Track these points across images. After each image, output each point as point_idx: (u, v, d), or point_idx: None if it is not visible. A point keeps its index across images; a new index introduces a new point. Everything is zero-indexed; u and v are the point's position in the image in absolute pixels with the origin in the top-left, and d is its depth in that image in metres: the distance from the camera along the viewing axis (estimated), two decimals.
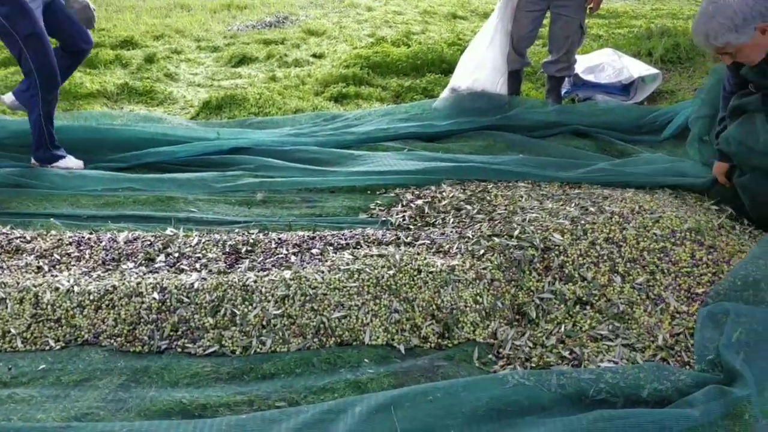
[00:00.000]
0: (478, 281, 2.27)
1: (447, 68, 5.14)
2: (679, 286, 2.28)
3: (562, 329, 2.15)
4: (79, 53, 3.63)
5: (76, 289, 2.29)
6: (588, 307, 2.23)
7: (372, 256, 2.38)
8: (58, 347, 2.12)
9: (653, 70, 4.69)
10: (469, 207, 2.87)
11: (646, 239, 2.41)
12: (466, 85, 4.23)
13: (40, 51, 3.27)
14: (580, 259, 2.35)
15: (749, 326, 1.97)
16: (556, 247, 2.39)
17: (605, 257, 2.35)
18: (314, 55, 6.06)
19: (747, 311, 2.03)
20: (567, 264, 2.34)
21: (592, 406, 1.77)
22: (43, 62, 3.30)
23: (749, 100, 2.69)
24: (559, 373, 1.85)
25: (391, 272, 2.26)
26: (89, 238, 2.68)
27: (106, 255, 2.56)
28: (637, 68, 4.66)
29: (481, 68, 4.21)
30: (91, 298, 2.25)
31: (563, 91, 4.51)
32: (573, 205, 2.69)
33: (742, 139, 2.66)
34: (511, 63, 4.25)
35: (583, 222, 2.48)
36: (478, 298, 2.23)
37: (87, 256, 2.55)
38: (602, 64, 4.71)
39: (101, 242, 2.64)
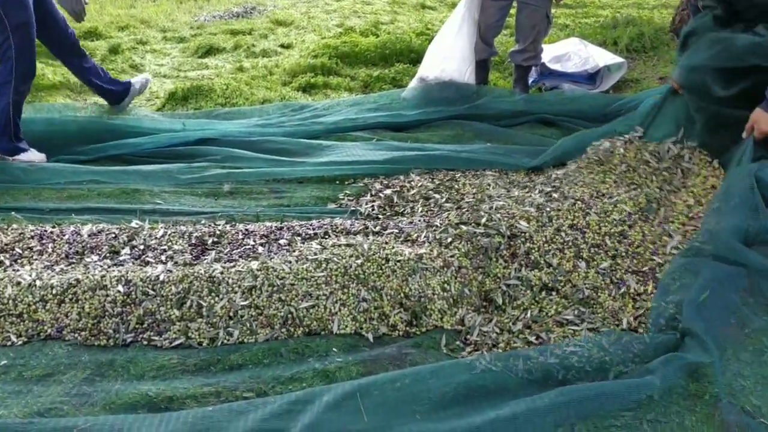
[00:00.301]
0: (445, 269, 2.28)
1: (415, 58, 5.14)
2: (636, 268, 2.33)
3: (528, 315, 2.17)
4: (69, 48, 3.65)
5: (38, 283, 2.24)
6: (554, 293, 2.25)
7: (340, 245, 2.38)
8: (20, 342, 2.08)
9: (618, 59, 4.74)
10: (437, 196, 2.88)
11: (607, 224, 2.44)
12: (434, 74, 4.23)
13: (26, 42, 3.27)
14: (546, 245, 2.37)
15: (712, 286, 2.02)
16: (522, 234, 2.41)
17: (570, 243, 2.38)
18: (282, 46, 6.01)
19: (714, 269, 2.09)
20: (533, 251, 2.36)
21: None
22: (26, 53, 3.29)
23: (702, 22, 2.67)
24: (526, 357, 1.87)
25: (359, 261, 2.25)
26: (52, 232, 2.63)
27: (70, 248, 2.52)
28: (602, 57, 4.71)
29: (449, 58, 4.21)
30: (54, 292, 2.21)
31: (530, 80, 4.54)
32: (537, 192, 2.72)
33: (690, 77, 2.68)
34: (479, 52, 4.26)
35: (548, 209, 2.51)
36: (445, 285, 2.24)
37: (50, 250, 2.51)
38: (569, 53, 4.75)
39: (64, 235, 2.60)
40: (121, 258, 2.45)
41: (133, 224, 2.71)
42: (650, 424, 1.73)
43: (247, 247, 2.48)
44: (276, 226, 2.64)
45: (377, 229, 2.59)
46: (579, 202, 2.54)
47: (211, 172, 3.28)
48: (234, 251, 2.45)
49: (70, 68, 3.85)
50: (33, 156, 3.42)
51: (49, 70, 4.93)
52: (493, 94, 4.16)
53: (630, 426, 1.72)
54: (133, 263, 2.41)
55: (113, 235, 2.60)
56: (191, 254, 2.45)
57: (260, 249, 2.46)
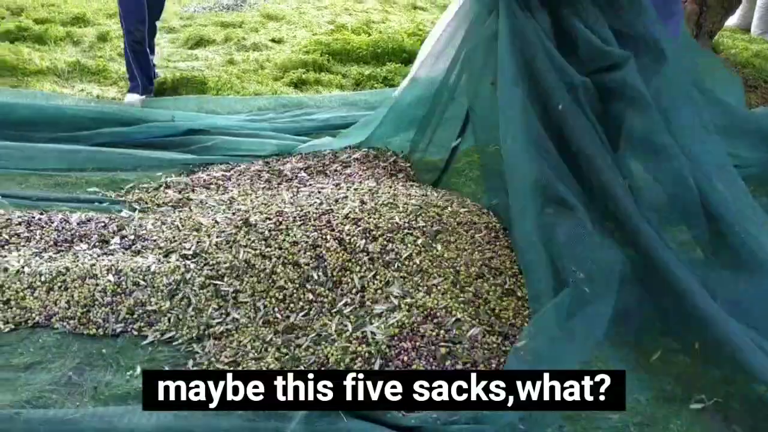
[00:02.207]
0: None
1: (407, 58, 5.15)
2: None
3: None
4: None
5: (26, 270, 2.22)
6: None
7: None
8: (7, 329, 2.06)
9: None
10: None
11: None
12: (425, 74, 4.23)
13: None
14: None
15: None
16: None
17: None
18: (273, 40, 5.98)
19: None
20: None
21: None
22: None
23: None
24: None
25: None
26: (40, 219, 2.60)
27: (58, 236, 2.49)
28: None
29: (441, 58, 4.22)
30: (43, 279, 2.19)
31: None
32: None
33: None
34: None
35: None
36: None
37: (38, 237, 2.47)
38: None
39: (53, 223, 2.57)
40: (111, 247, 2.42)
41: (122, 214, 2.68)
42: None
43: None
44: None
45: None
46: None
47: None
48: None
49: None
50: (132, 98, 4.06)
51: (36, 55, 4.86)
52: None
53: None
54: (123, 253, 2.39)
55: (103, 224, 2.57)
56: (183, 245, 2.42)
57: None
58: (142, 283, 2.19)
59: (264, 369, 1.89)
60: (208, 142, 3.47)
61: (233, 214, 2.59)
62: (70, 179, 3.06)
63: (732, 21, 6.20)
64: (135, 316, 2.11)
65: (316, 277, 2.22)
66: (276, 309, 2.13)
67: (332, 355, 1.92)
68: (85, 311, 2.11)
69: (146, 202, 2.84)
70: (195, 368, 1.92)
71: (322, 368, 1.89)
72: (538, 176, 2.17)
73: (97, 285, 2.17)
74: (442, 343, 1.96)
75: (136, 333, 2.07)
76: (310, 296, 2.17)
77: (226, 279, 2.22)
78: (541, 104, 2.27)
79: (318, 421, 1.65)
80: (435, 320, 2.04)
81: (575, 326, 1.95)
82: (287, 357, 1.94)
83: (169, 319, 2.10)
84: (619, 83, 2.18)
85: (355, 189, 2.76)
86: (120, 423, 1.65)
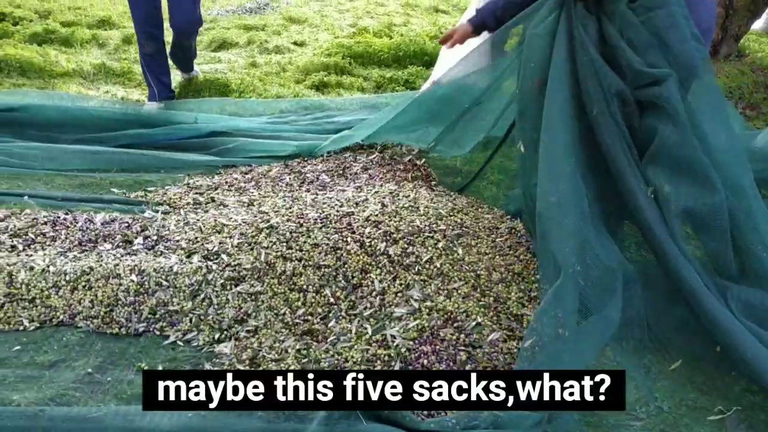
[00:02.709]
0: None
1: (429, 61, 5.14)
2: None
3: None
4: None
5: (51, 269, 2.25)
6: None
7: None
8: (32, 327, 2.08)
9: None
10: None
11: None
12: (447, 77, 4.22)
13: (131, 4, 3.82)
14: None
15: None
16: None
17: None
18: (295, 43, 6.01)
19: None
20: None
21: None
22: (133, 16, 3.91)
23: None
24: None
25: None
26: (65, 218, 2.63)
27: (83, 236, 2.52)
28: None
29: (462, 61, 4.21)
30: (67, 278, 2.22)
31: None
32: None
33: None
34: (495, 55, 4.25)
35: None
36: None
37: (63, 236, 2.51)
38: None
39: (77, 223, 2.60)
40: (134, 247, 2.45)
41: (146, 214, 2.71)
42: None
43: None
44: None
45: None
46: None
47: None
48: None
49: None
50: (150, 106, 4.01)
51: (63, 57, 4.94)
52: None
53: None
54: (146, 253, 2.41)
55: (126, 224, 2.60)
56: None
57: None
58: (164, 283, 2.21)
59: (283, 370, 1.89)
60: (230, 144, 3.49)
61: (255, 216, 2.61)
62: (94, 180, 3.10)
63: (758, 25, 6.12)
64: (157, 316, 2.13)
65: (336, 280, 2.22)
66: (296, 311, 2.14)
67: (352, 357, 1.93)
68: (108, 310, 2.14)
69: (169, 203, 2.86)
70: (216, 369, 1.93)
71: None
72: (572, 178, 2.16)
73: (120, 285, 2.20)
74: (462, 348, 1.96)
75: (158, 333, 2.09)
76: (330, 299, 2.17)
77: (247, 280, 2.23)
78: (580, 106, 2.29)
79: (337, 423, 1.65)
80: (455, 324, 2.03)
81: (583, 329, 1.94)
82: (307, 359, 1.94)
83: (190, 320, 2.12)
84: (655, 97, 2.18)
85: (376, 192, 2.76)
86: (142, 422, 1.67)
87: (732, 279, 2.12)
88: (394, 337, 1.98)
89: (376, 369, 1.89)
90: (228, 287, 2.21)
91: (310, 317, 2.12)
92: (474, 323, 2.03)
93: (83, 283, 2.20)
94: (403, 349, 1.93)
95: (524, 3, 2.52)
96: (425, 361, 1.90)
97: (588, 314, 1.96)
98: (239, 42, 5.92)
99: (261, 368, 1.92)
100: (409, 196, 2.69)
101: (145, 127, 3.64)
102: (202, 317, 2.12)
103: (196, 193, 2.94)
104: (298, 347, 1.98)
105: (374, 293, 2.17)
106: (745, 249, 2.12)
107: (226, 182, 3.09)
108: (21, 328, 2.08)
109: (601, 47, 2.28)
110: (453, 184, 3.13)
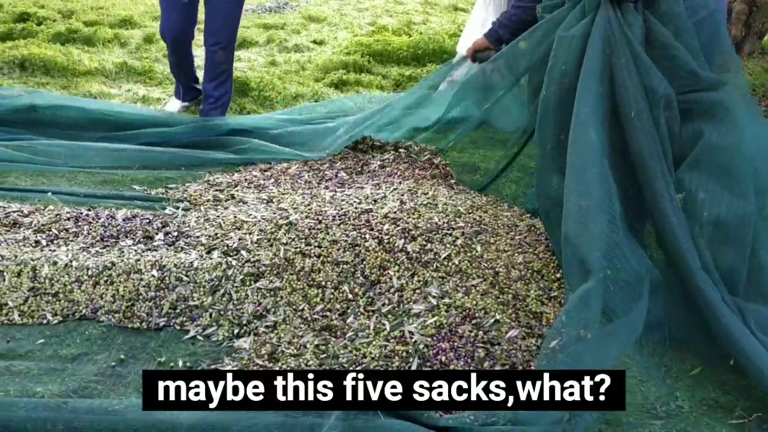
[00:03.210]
0: None
1: (448, 59, 5.12)
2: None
3: None
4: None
5: (74, 263, 2.28)
6: None
7: None
8: (55, 321, 2.11)
9: None
10: None
11: None
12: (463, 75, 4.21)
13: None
14: None
15: None
16: None
17: None
18: (314, 41, 6.03)
19: None
20: None
21: None
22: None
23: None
24: None
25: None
26: (87, 215, 2.66)
27: (104, 231, 2.55)
28: None
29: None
30: (90, 273, 2.24)
31: None
32: None
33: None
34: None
35: None
36: None
37: (85, 232, 2.54)
38: None
39: (99, 219, 2.63)
40: (155, 243, 2.48)
41: (166, 211, 2.74)
42: None
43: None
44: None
45: None
46: None
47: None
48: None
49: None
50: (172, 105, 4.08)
51: (86, 56, 5.00)
52: None
53: None
54: (167, 249, 2.44)
55: (147, 221, 2.63)
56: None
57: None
58: (184, 278, 2.23)
59: (303, 366, 1.91)
60: (247, 143, 3.51)
61: (274, 212, 2.62)
62: (116, 177, 3.13)
63: None
64: (177, 310, 2.15)
65: (354, 276, 2.23)
66: (315, 307, 2.15)
67: (370, 353, 1.93)
68: (129, 305, 2.16)
69: (189, 200, 2.89)
70: (235, 364, 1.94)
71: (360, 367, 1.90)
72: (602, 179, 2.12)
73: (141, 280, 2.22)
74: (480, 344, 1.95)
75: (178, 327, 2.11)
76: (349, 295, 2.18)
77: (266, 276, 2.25)
78: (612, 109, 2.23)
79: (356, 419, 1.66)
80: (473, 321, 2.03)
81: (607, 332, 1.92)
82: (325, 355, 1.95)
83: (210, 315, 2.13)
84: (711, 102, 2.14)
85: (395, 189, 2.77)
86: (162, 415, 1.68)
87: (741, 294, 2.08)
88: (413, 334, 1.98)
89: (394, 365, 1.89)
90: (247, 283, 2.23)
91: (328, 313, 2.13)
92: (492, 320, 2.03)
93: (105, 278, 2.23)
94: (421, 346, 1.93)
95: (534, 21, 2.52)
96: (443, 358, 1.90)
97: (613, 318, 1.94)
98: (259, 41, 5.95)
99: (280, 363, 1.93)
100: (427, 193, 2.69)
101: (166, 126, 3.66)
102: (221, 312, 2.14)
103: (216, 190, 2.97)
104: (316, 343, 1.99)
105: (392, 290, 2.17)
106: (756, 265, 2.09)
107: (246, 179, 3.11)
108: (44, 321, 2.11)
109: (646, 48, 2.24)
110: (472, 181, 3.12)
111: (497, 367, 1.89)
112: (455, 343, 1.95)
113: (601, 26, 2.25)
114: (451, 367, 1.88)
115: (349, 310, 2.13)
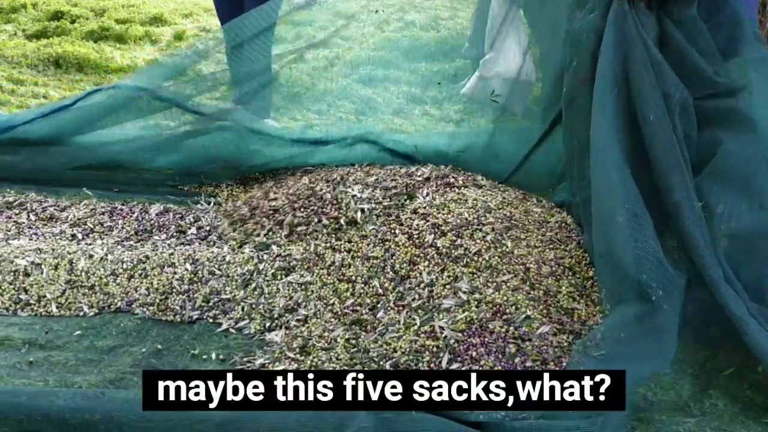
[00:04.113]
0: None
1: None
2: None
3: None
4: None
5: (109, 257, 2.32)
6: None
7: None
8: (92, 313, 2.16)
9: None
10: None
11: None
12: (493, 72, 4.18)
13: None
14: None
15: None
16: None
17: None
18: (342, 38, 6.04)
19: None
20: None
21: None
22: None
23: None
24: None
25: None
26: (122, 209, 2.72)
27: (138, 226, 2.60)
28: None
29: (499, 53, 4.11)
30: (125, 266, 2.29)
31: None
32: None
33: None
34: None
35: None
36: None
37: (119, 226, 2.59)
38: None
39: (133, 213, 2.68)
40: (187, 237, 2.51)
41: (198, 206, 2.78)
42: None
43: None
44: None
45: None
46: None
47: None
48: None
49: None
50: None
51: (118, 53, 5.08)
52: None
53: None
54: (199, 243, 2.47)
55: (180, 216, 2.67)
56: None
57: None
58: (217, 272, 2.26)
59: (333, 359, 1.92)
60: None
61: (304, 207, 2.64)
62: (149, 172, 3.18)
63: None
64: (210, 304, 2.18)
65: (384, 271, 2.24)
66: (345, 301, 2.16)
67: (400, 348, 1.94)
68: (163, 298, 2.20)
69: (221, 195, 2.92)
70: (267, 357, 1.96)
71: (390, 361, 1.90)
72: (622, 184, 2.07)
73: (174, 273, 2.26)
74: (511, 340, 1.95)
75: (211, 320, 2.14)
76: (379, 290, 2.19)
77: (297, 271, 2.27)
78: (631, 113, 2.17)
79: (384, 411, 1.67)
80: (504, 317, 2.02)
81: (649, 341, 1.89)
82: (355, 349, 1.96)
83: (242, 308, 2.16)
84: (727, 109, 2.08)
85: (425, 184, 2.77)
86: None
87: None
88: (443, 329, 1.98)
89: (424, 359, 1.90)
90: (278, 277, 2.25)
91: (358, 307, 2.14)
92: (523, 316, 2.02)
93: (140, 272, 2.27)
94: (451, 341, 1.93)
95: None
96: (474, 353, 1.90)
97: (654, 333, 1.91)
98: (287, 37, 5.97)
99: (311, 356, 1.95)
100: (457, 188, 2.69)
101: None
102: (253, 306, 2.16)
103: (248, 185, 3.00)
104: (347, 336, 2.01)
105: (422, 285, 2.18)
106: None
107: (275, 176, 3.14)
108: (81, 314, 2.16)
109: (661, 50, 2.18)
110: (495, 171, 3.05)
111: (528, 363, 1.89)
112: (486, 339, 1.94)
113: (614, 22, 2.19)
114: (482, 362, 1.88)
115: (379, 305, 2.14)
